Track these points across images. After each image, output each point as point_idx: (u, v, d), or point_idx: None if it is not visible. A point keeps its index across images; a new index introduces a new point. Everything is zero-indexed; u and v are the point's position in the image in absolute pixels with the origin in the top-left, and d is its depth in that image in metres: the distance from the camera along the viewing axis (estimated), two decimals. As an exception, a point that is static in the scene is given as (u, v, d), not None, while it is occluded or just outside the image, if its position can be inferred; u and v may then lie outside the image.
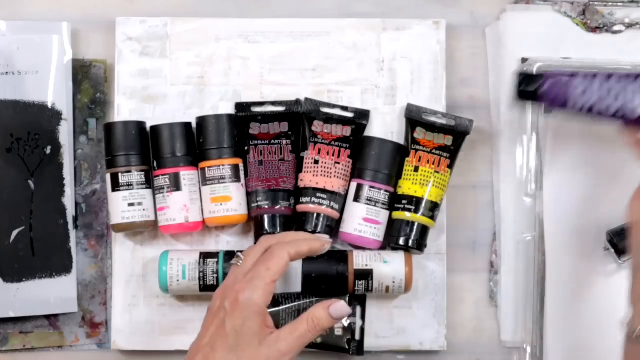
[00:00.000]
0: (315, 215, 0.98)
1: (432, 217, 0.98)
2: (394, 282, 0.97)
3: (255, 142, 0.99)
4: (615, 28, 1.03)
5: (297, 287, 0.98)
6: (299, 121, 1.00)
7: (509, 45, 1.02)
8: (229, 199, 0.98)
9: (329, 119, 1.00)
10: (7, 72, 1.00)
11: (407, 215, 0.98)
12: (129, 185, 0.97)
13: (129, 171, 0.97)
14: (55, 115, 1.01)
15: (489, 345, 1.02)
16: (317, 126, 0.99)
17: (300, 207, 0.99)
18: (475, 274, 1.03)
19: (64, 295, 1.00)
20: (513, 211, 1.02)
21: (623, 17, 1.03)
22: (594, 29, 1.03)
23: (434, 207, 0.98)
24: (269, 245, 0.88)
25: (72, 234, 1.01)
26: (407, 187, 0.98)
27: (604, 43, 1.03)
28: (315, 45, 1.02)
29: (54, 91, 1.01)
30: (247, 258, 0.88)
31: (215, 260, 0.97)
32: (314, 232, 0.98)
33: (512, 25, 1.03)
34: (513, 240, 1.02)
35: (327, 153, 0.99)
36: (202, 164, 0.98)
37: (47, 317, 1.01)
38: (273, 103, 1.01)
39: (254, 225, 1.00)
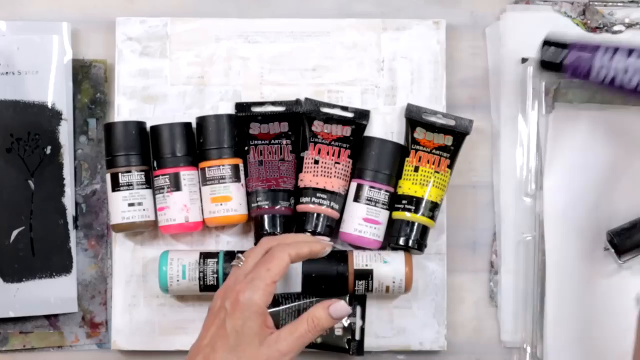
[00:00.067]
0: (315, 215, 0.98)
1: (432, 217, 0.98)
2: (394, 282, 0.97)
3: (255, 142, 0.99)
4: (615, 28, 1.03)
5: (297, 287, 0.98)
6: (299, 121, 1.00)
7: (509, 45, 1.02)
8: (229, 199, 0.98)
9: (329, 119, 1.00)
10: (7, 72, 1.00)
11: (407, 215, 0.98)
12: (129, 185, 0.97)
13: (129, 171, 0.97)
14: (55, 115, 1.01)
15: (489, 345, 1.02)
16: (317, 126, 0.99)
17: (300, 207, 0.99)
18: (475, 274, 1.03)
19: (64, 295, 1.00)
20: (513, 211, 1.02)
21: (623, 17, 1.03)
22: (594, 29, 1.03)
23: (434, 207, 0.98)
24: (269, 247, 0.88)
25: (72, 234, 1.01)
26: (407, 187, 0.98)
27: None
28: (315, 45, 1.02)
29: (54, 91, 1.01)
30: (247, 259, 0.88)
31: (215, 260, 0.97)
32: (314, 232, 0.98)
33: (512, 25, 1.03)
34: (513, 240, 1.02)
35: (327, 153, 0.99)
36: (202, 164, 0.98)
37: (47, 317, 1.01)
38: (273, 103, 1.01)
39: (254, 225, 1.00)
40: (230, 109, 1.01)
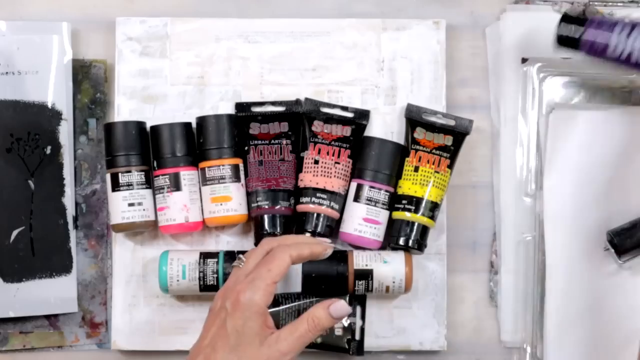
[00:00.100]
0: (315, 215, 0.98)
1: (432, 217, 0.98)
2: (394, 282, 0.97)
3: (255, 142, 0.99)
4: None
5: (297, 287, 0.98)
6: (299, 121, 1.00)
7: (509, 45, 1.02)
8: (229, 199, 0.98)
9: (329, 119, 1.00)
10: (7, 72, 1.00)
11: (407, 215, 0.98)
12: (129, 185, 0.97)
13: (129, 171, 0.97)
14: (55, 115, 1.01)
15: (489, 345, 1.02)
16: (317, 126, 0.99)
17: (300, 207, 0.99)
18: (475, 274, 1.03)
19: (64, 295, 1.00)
20: (513, 211, 1.02)
21: (623, 17, 1.03)
22: (594, 29, 1.03)
23: (434, 207, 0.98)
24: (270, 248, 0.88)
25: (72, 234, 1.01)
26: (407, 187, 0.98)
27: (604, 43, 1.03)
28: (315, 45, 1.02)
29: (54, 91, 1.01)
30: (248, 260, 0.88)
31: (215, 260, 0.97)
32: (314, 232, 0.98)
33: (512, 25, 1.03)
34: (513, 240, 1.02)
35: (327, 153, 0.99)
36: (202, 164, 0.98)
37: (47, 317, 1.01)
38: (273, 103, 1.01)
39: (254, 225, 1.00)
40: (230, 109, 1.01)
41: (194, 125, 1.00)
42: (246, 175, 0.99)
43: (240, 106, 1.01)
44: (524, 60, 1.02)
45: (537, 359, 1.00)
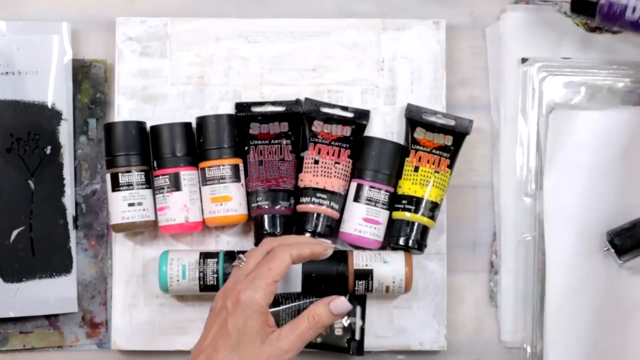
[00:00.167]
0: (315, 215, 0.98)
1: (432, 217, 0.98)
2: (394, 282, 0.97)
3: (255, 142, 0.99)
4: (615, 28, 1.03)
5: (297, 287, 0.98)
6: (299, 121, 1.00)
7: (509, 45, 1.02)
8: (229, 199, 0.98)
9: (329, 119, 1.00)
10: (7, 72, 1.00)
11: (407, 215, 0.98)
12: (129, 185, 0.97)
13: (129, 171, 0.97)
14: (55, 115, 1.01)
15: (489, 345, 1.02)
16: (317, 126, 0.99)
17: (300, 207, 0.99)
18: (475, 274, 1.03)
19: (64, 295, 1.00)
20: (513, 211, 1.02)
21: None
22: (593, 29, 1.03)
23: (434, 207, 0.98)
24: (270, 247, 0.88)
25: (72, 234, 1.01)
26: (407, 187, 0.98)
27: (604, 43, 1.03)
28: (315, 45, 1.02)
29: (54, 91, 1.01)
30: (249, 259, 0.88)
31: (215, 260, 0.97)
32: (314, 232, 0.98)
33: (512, 25, 1.03)
34: (513, 240, 1.02)
35: (327, 153, 0.99)
36: (202, 164, 0.98)
37: (47, 317, 1.01)
38: (273, 103, 1.01)
39: (254, 225, 1.00)
40: (230, 109, 1.01)
41: (194, 125, 1.00)
42: (246, 175, 0.99)
43: (240, 106, 1.01)
44: (524, 60, 1.02)
45: (537, 359, 1.00)
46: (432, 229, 0.99)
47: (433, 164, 0.98)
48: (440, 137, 0.99)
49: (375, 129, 1.02)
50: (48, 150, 1.00)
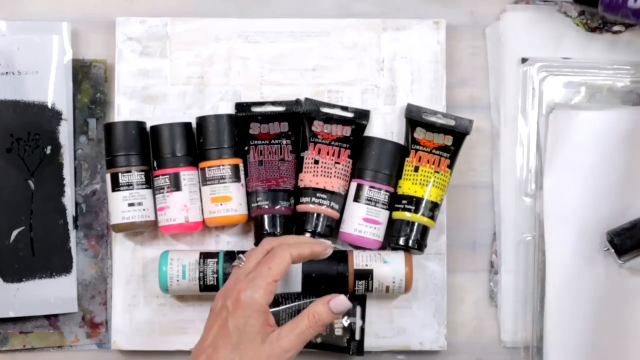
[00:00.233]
0: (315, 215, 0.98)
1: (432, 217, 0.98)
2: (394, 282, 0.97)
3: (255, 142, 0.99)
4: (615, 28, 1.03)
5: (297, 287, 0.98)
6: (299, 121, 1.00)
7: (509, 45, 1.02)
8: (229, 199, 0.98)
9: (329, 119, 1.00)
10: (7, 72, 1.00)
11: (407, 215, 0.98)
12: (129, 185, 0.97)
13: (129, 171, 0.97)
14: (55, 115, 1.01)
15: (489, 345, 1.02)
16: (317, 126, 0.99)
17: (300, 207, 0.99)
18: (475, 274, 1.03)
19: (64, 295, 1.00)
20: (513, 211, 1.02)
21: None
22: (593, 29, 1.03)
23: (434, 207, 0.98)
24: (270, 247, 0.88)
25: (72, 234, 1.01)
26: (407, 187, 0.98)
27: (604, 43, 1.03)
28: (315, 45, 1.02)
29: (54, 91, 1.01)
30: (249, 259, 0.88)
31: (215, 260, 0.97)
32: (314, 232, 0.98)
33: (512, 25, 1.03)
34: (513, 240, 1.02)
35: (327, 153, 0.99)
36: (202, 164, 0.98)
37: (47, 317, 1.01)
38: (273, 103, 1.01)
39: (254, 225, 1.00)
40: (230, 109, 1.01)
41: (194, 125, 1.00)
42: (246, 175, 0.99)
43: (240, 106, 1.01)
44: (524, 60, 1.02)
45: (537, 359, 1.00)
46: (432, 229, 0.99)
47: (433, 164, 0.98)
48: (440, 137, 0.99)
49: (375, 129, 1.02)
50: (48, 150, 1.00)
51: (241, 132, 1.00)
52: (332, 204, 0.98)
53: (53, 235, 1.00)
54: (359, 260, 0.97)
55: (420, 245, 0.98)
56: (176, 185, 0.97)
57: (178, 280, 0.97)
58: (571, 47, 1.03)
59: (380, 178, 0.98)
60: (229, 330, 0.83)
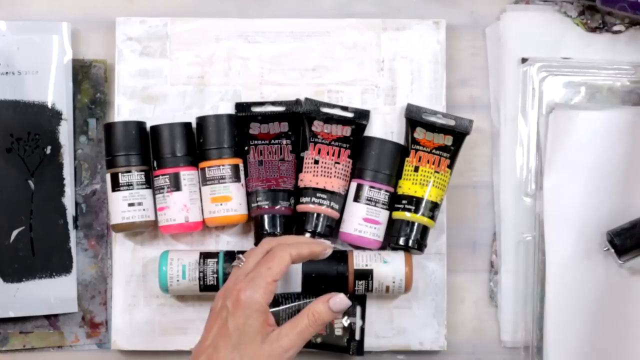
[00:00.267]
0: (315, 215, 0.98)
1: (432, 217, 0.98)
2: (394, 282, 0.97)
3: (255, 142, 0.99)
4: (615, 28, 1.03)
5: (297, 287, 0.98)
6: (299, 121, 1.00)
7: (509, 45, 1.02)
8: (229, 199, 0.98)
9: (329, 119, 1.00)
10: (7, 72, 1.00)
11: (407, 215, 0.98)
12: (129, 185, 0.97)
13: (129, 171, 0.97)
14: (55, 115, 1.01)
15: (489, 345, 1.02)
16: (317, 126, 0.99)
17: (300, 207, 0.99)
18: (475, 274, 1.03)
19: (64, 295, 1.00)
20: (513, 211, 1.02)
21: (623, 17, 1.03)
22: (594, 29, 1.03)
23: (434, 207, 0.98)
24: (270, 247, 0.88)
25: (72, 234, 1.01)
26: (407, 187, 0.98)
27: (604, 43, 1.03)
28: (315, 45, 1.02)
29: (54, 91, 1.01)
30: (248, 259, 0.88)
31: (215, 260, 0.97)
32: (314, 232, 0.98)
33: (512, 25, 1.03)
34: (513, 240, 1.02)
35: (327, 153, 0.99)
36: (202, 164, 0.98)
37: (47, 317, 1.01)
38: (273, 103, 1.01)
39: (254, 225, 1.00)
40: (230, 109, 1.01)
41: (194, 125, 1.00)
42: (246, 175, 0.99)
43: (240, 106, 1.01)
44: (524, 60, 1.02)
45: (537, 359, 1.00)
46: (432, 229, 0.99)
47: (433, 164, 0.98)
48: (440, 137, 0.99)
49: (375, 129, 1.02)
50: (48, 150, 1.00)
51: (241, 132, 1.00)
52: (332, 204, 0.98)
53: (53, 235, 1.00)
54: (359, 260, 0.97)
55: (420, 245, 0.98)
56: (176, 185, 0.97)
57: (178, 280, 0.97)
58: (571, 47, 1.03)
59: (380, 178, 0.98)
60: (229, 331, 0.83)
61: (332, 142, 0.99)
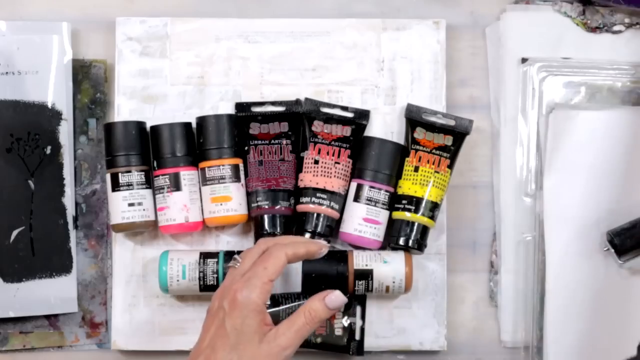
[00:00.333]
0: (315, 215, 0.98)
1: (432, 217, 0.98)
2: (394, 282, 0.97)
3: (255, 142, 0.99)
4: (615, 28, 1.03)
5: (297, 287, 0.98)
6: (299, 121, 1.00)
7: (509, 45, 1.02)
8: (229, 199, 0.98)
9: (329, 119, 1.00)
10: (7, 72, 1.00)
11: (407, 215, 0.98)
12: (129, 185, 0.97)
13: (129, 171, 0.97)
14: (55, 115, 1.01)
15: (489, 345, 1.02)
16: (317, 126, 1.00)
17: (300, 207, 0.99)
18: (475, 274, 1.03)
19: (64, 295, 1.00)
20: (513, 211, 1.02)
21: (623, 17, 1.03)
22: (594, 29, 1.03)
23: (434, 207, 0.98)
24: (266, 247, 0.88)
25: (72, 234, 1.01)
26: (407, 187, 0.98)
27: (604, 43, 1.03)
28: (315, 45, 1.02)
29: (54, 91, 1.01)
30: (244, 260, 0.88)
31: (215, 260, 0.97)
32: (314, 232, 0.98)
33: (512, 25, 1.03)
34: (513, 240, 1.02)
35: (327, 153, 0.99)
36: (202, 164, 0.98)
37: (47, 317, 1.01)
38: (273, 103, 1.01)
39: (254, 225, 1.00)
40: (230, 109, 1.01)
41: (194, 125, 1.00)
42: (246, 175, 0.99)
43: (240, 106, 1.01)
44: (524, 60, 1.02)
45: (537, 359, 1.00)
46: (432, 229, 0.99)
47: (433, 164, 0.98)
48: (440, 137, 0.99)
49: (375, 129, 1.02)
50: (48, 150, 1.00)
51: (241, 132, 1.00)
52: (332, 204, 0.98)
53: (53, 235, 1.00)
54: (359, 260, 0.97)
55: (420, 245, 0.98)
56: (176, 185, 0.97)
57: (178, 280, 0.97)
58: (571, 47, 1.03)
59: (380, 178, 0.98)
60: (227, 331, 0.83)
61: (332, 142, 0.99)
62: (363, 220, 0.98)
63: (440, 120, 1.00)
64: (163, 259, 0.97)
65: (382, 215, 0.98)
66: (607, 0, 0.97)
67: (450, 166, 0.99)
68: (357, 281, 0.97)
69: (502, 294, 1.02)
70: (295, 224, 0.99)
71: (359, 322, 0.99)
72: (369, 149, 0.98)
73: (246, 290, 0.84)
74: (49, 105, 1.01)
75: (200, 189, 0.99)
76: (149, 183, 0.98)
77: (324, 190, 0.98)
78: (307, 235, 0.98)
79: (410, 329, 1.01)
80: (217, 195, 0.97)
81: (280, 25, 1.02)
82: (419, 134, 0.99)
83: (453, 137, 0.99)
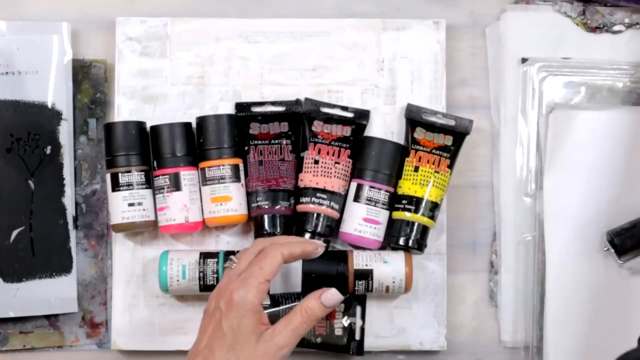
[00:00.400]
0: (315, 215, 0.98)
1: (432, 217, 0.98)
2: (394, 282, 0.97)
3: (255, 142, 0.99)
4: (615, 28, 1.03)
5: (297, 287, 0.98)
6: (299, 121, 1.00)
7: (509, 45, 1.02)
8: (229, 199, 0.98)
9: (329, 119, 1.00)
10: (7, 72, 1.00)
11: (407, 215, 0.98)
12: (129, 185, 0.97)
13: (129, 171, 0.97)
14: (55, 115, 1.01)
15: (489, 345, 1.02)
16: (317, 126, 1.00)
17: (300, 207, 0.99)
18: (475, 274, 1.03)
19: (64, 295, 1.00)
20: (513, 211, 1.02)
21: (623, 17, 1.03)
22: (594, 29, 1.03)
23: (434, 207, 0.98)
24: (262, 247, 0.88)
25: (72, 234, 1.01)
26: (407, 187, 0.98)
27: (604, 43, 1.03)
28: (315, 45, 1.02)
29: (54, 91, 1.01)
30: (240, 260, 0.88)
31: (215, 260, 0.97)
32: (314, 232, 0.98)
33: (512, 25, 1.03)
34: (513, 240, 1.02)
35: (327, 153, 0.99)
36: (202, 164, 0.98)
37: (47, 317, 1.01)
38: (273, 103, 1.01)
39: (254, 225, 1.00)
40: (230, 109, 1.01)
41: (194, 125, 1.00)
42: (246, 175, 0.99)
43: (240, 106, 1.01)
44: (524, 60, 1.02)
45: (537, 359, 1.00)
46: (432, 229, 0.99)
47: (433, 164, 0.98)
48: (440, 137, 0.99)
49: (375, 129, 1.02)
50: (48, 150, 1.00)
51: (241, 132, 1.00)
52: (332, 204, 0.98)
53: (53, 235, 1.00)
54: (359, 260, 0.97)
55: (420, 245, 0.98)
56: (176, 185, 0.97)
57: (178, 280, 0.97)
58: (571, 47, 1.03)
59: (380, 178, 0.98)
60: (224, 331, 0.83)
61: (332, 142, 0.99)
62: (363, 220, 0.98)
63: (440, 120, 1.00)
64: (163, 259, 0.97)
65: (382, 215, 0.98)
66: None
67: (450, 166, 0.99)
68: (357, 281, 0.97)
69: (502, 294, 1.02)
70: (295, 224, 0.99)
71: (359, 322, 0.99)
72: (369, 149, 0.98)
73: (242, 291, 0.84)
74: (49, 105, 1.01)
75: (200, 189, 0.99)
76: (149, 183, 0.98)
77: (324, 190, 0.98)
78: (307, 235, 0.98)
79: (410, 329, 1.01)
80: (217, 195, 0.97)
81: (280, 25, 1.02)
82: (419, 134, 0.99)
83: (453, 137, 0.99)
